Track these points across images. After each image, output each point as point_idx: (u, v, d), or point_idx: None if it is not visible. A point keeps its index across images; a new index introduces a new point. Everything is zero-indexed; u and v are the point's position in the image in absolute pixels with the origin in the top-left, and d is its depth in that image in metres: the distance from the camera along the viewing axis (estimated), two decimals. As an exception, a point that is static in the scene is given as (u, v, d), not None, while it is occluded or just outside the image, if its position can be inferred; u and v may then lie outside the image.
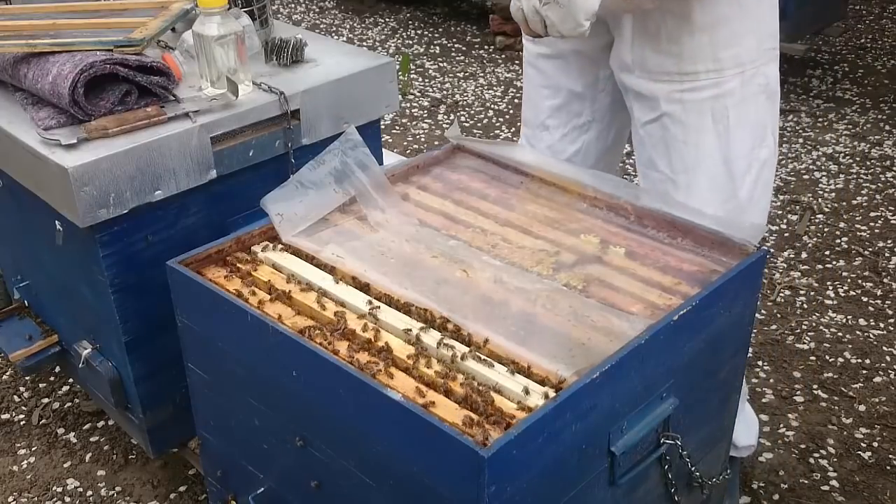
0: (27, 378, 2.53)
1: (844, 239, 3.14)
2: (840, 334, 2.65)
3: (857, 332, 2.66)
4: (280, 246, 1.55)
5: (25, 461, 2.27)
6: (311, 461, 1.36)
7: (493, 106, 4.29)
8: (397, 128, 4.10)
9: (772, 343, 2.62)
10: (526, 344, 1.29)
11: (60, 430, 2.36)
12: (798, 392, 2.43)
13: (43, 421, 2.40)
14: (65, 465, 2.25)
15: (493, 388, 1.23)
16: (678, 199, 1.63)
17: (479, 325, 1.33)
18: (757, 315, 2.58)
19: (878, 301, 2.80)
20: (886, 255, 3.04)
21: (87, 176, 1.53)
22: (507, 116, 4.17)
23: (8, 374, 2.57)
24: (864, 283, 2.89)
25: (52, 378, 2.54)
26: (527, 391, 1.20)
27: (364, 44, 5.14)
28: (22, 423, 2.40)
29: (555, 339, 1.30)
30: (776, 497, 2.11)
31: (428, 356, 1.29)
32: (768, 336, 2.65)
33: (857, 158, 3.70)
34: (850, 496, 2.10)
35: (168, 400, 1.83)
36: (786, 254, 3.06)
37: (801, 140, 3.86)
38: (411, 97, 4.41)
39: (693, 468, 1.46)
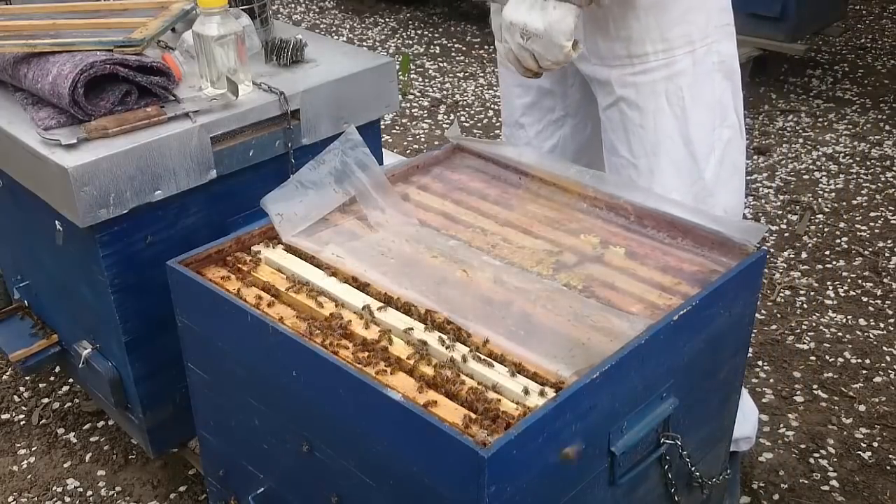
0: (27, 378, 2.53)
1: (844, 239, 3.14)
2: (840, 334, 2.65)
3: (857, 332, 2.66)
4: (280, 246, 1.55)
5: (25, 461, 2.27)
6: (311, 461, 1.36)
7: (493, 106, 4.29)
8: (397, 128, 4.10)
9: (772, 343, 2.62)
10: (526, 344, 1.29)
11: (60, 430, 2.36)
12: (798, 392, 2.43)
13: (43, 421, 2.40)
14: (65, 465, 2.25)
15: (493, 388, 1.23)
16: (641, 184, 1.64)
17: (479, 325, 1.33)
18: (757, 315, 2.58)
19: (878, 301, 2.80)
20: (886, 255, 3.04)
21: (87, 176, 1.53)
22: (507, 116, 4.17)
23: (8, 374, 2.57)
24: (864, 283, 2.89)
25: (52, 378, 2.54)
26: (526, 391, 1.20)
27: (364, 44, 5.14)
28: (22, 423, 2.40)
29: (555, 339, 1.30)
30: (776, 497, 2.11)
31: (428, 356, 1.29)
32: (768, 336, 2.65)
33: (857, 158, 3.70)
34: (850, 496, 2.10)
35: (168, 400, 1.83)
36: (786, 254, 3.06)
37: (801, 140, 3.86)
38: (411, 97, 4.41)
39: (693, 468, 1.46)
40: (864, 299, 2.81)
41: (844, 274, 2.94)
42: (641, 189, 1.62)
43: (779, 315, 2.75)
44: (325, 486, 1.37)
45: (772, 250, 3.07)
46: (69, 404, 2.45)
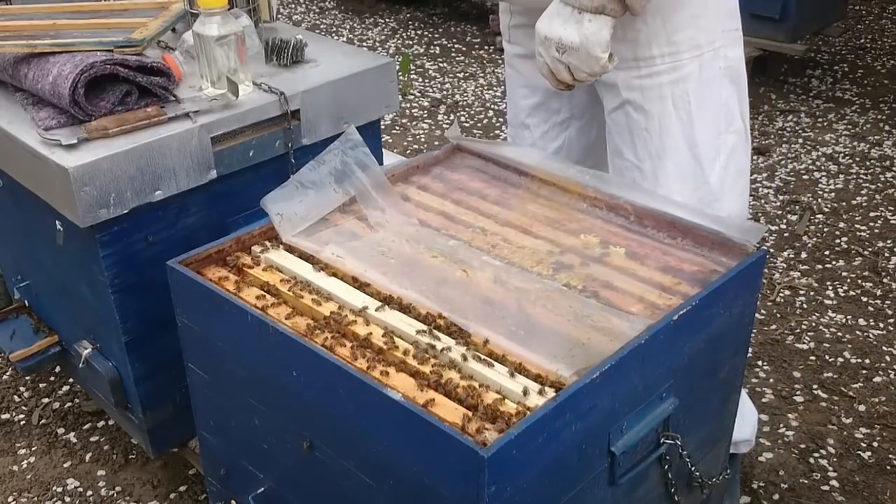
0: (27, 378, 2.53)
1: (844, 239, 3.14)
2: (840, 334, 2.65)
3: (857, 332, 2.66)
4: (280, 246, 1.55)
5: (25, 461, 2.27)
6: (311, 461, 1.36)
7: (493, 106, 4.29)
8: (397, 128, 4.10)
9: (772, 343, 2.62)
10: (526, 344, 1.29)
11: (60, 430, 2.36)
12: (798, 392, 2.43)
13: (43, 421, 2.40)
14: (65, 465, 2.25)
15: (493, 388, 1.23)
16: (646, 188, 1.63)
17: (479, 325, 1.33)
18: (757, 315, 2.58)
19: (878, 301, 2.80)
20: (886, 255, 3.04)
21: (88, 176, 1.53)
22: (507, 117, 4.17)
23: (8, 374, 2.57)
24: (863, 283, 2.89)
25: (52, 378, 2.54)
26: (526, 391, 1.20)
27: (364, 44, 5.14)
28: (22, 423, 2.40)
29: (555, 339, 1.30)
30: (776, 497, 2.11)
31: (428, 356, 1.29)
32: (768, 336, 2.65)
33: (857, 158, 3.70)
34: (850, 496, 2.10)
35: (168, 400, 1.83)
36: (786, 254, 3.06)
37: (800, 140, 3.87)
38: (411, 97, 4.41)
39: (693, 468, 1.46)
40: (864, 299, 2.81)
41: (844, 274, 2.94)
42: (642, 189, 1.62)
43: (779, 315, 2.75)
44: (325, 486, 1.37)
45: (772, 250, 3.07)
46: (69, 404, 2.45)
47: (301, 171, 1.61)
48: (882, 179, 3.54)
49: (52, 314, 2.05)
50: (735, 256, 1.47)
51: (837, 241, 3.13)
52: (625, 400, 1.26)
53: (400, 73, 4.53)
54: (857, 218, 3.27)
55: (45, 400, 2.47)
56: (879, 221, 3.25)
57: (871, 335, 2.65)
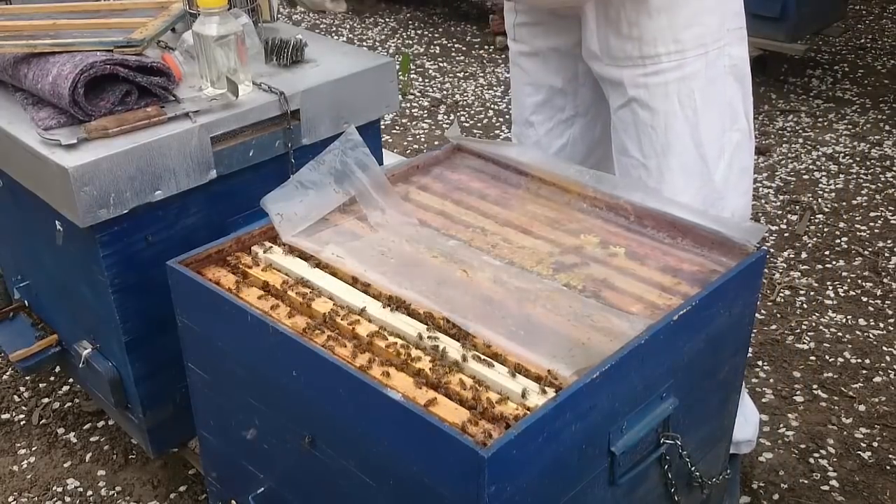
0: (27, 378, 2.53)
1: (844, 239, 3.14)
2: (840, 334, 2.65)
3: (857, 332, 2.66)
4: (280, 246, 1.55)
5: (25, 461, 2.27)
6: (311, 461, 1.36)
7: (493, 106, 4.30)
8: (397, 128, 4.10)
9: (772, 343, 2.62)
10: (526, 344, 1.29)
11: (60, 430, 2.36)
12: (798, 392, 2.43)
13: (43, 421, 2.40)
14: (65, 465, 2.25)
15: (494, 389, 1.23)
16: (651, 185, 1.63)
17: (479, 325, 1.33)
18: (757, 315, 2.58)
19: (878, 301, 2.80)
20: (886, 255, 3.04)
21: (88, 176, 1.53)
22: (507, 116, 4.17)
23: (8, 374, 2.57)
24: (863, 283, 2.89)
25: (52, 378, 2.54)
26: (526, 391, 1.20)
27: (364, 44, 5.14)
28: (22, 423, 2.40)
29: (555, 339, 1.30)
30: (776, 497, 2.11)
31: (428, 356, 1.29)
32: (768, 336, 2.65)
33: (857, 158, 3.70)
34: (850, 496, 2.10)
35: (168, 400, 1.83)
36: (786, 254, 3.06)
37: (801, 140, 3.86)
38: (411, 97, 4.41)
39: (693, 468, 1.46)
40: (864, 299, 2.81)
41: (844, 274, 2.94)
42: (642, 189, 1.62)
43: (779, 315, 2.75)
44: (325, 486, 1.37)
45: (772, 250, 3.07)
46: (69, 404, 2.45)
47: (301, 171, 1.61)
48: (882, 179, 3.53)
49: (51, 314, 2.05)
50: (735, 256, 1.47)
51: (837, 241, 3.13)
52: (625, 400, 1.26)
53: (400, 73, 4.53)
54: (857, 218, 3.27)
55: (45, 400, 2.47)
56: (880, 221, 3.24)
57: (871, 335, 2.65)
